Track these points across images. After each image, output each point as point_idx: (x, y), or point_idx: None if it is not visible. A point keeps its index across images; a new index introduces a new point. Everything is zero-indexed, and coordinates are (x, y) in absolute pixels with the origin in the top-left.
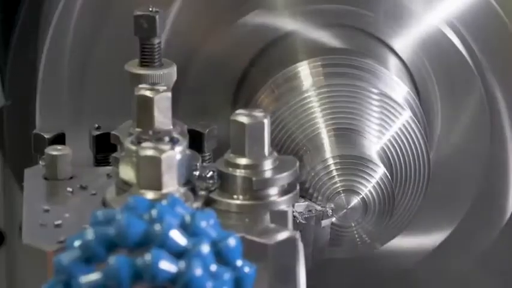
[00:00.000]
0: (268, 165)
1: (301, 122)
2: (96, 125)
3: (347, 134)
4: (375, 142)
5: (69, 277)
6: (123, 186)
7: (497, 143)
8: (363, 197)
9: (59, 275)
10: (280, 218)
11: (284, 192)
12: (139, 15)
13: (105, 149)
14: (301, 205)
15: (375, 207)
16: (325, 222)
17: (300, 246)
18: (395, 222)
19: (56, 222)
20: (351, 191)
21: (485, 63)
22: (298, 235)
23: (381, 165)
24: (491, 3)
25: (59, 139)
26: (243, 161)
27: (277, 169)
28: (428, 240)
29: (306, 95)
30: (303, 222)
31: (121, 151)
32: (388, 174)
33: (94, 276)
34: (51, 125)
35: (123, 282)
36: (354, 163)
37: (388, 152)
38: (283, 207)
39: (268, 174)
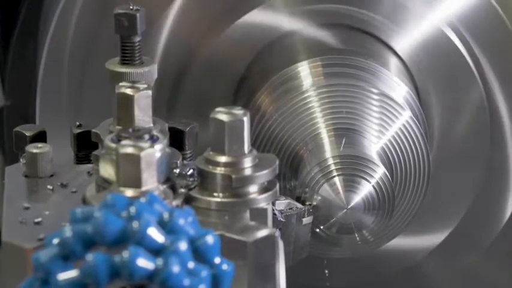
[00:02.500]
0: (247, 163)
1: (301, 122)
2: (78, 123)
3: (347, 134)
4: (375, 142)
5: (47, 274)
6: (103, 184)
7: (497, 143)
8: (362, 197)
9: (37, 272)
10: (259, 215)
11: (264, 190)
12: (120, 13)
13: (86, 146)
14: (282, 203)
15: (374, 208)
16: (306, 220)
17: (280, 244)
18: (395, 222)
19: (36, 220)
20: (350, 191)
21: (485, 63)
22: (277, 233)
23: (381, 165)
24: (492, 3)
25: (40, 137)
26: (222, 158)
27: (257, 167)
28: (428, 240)
29: (306, 95)
30: (283, 220)
31: (101, 149)
32: (388, 174)
33: (72, 274)
34: (51, 125)
35: (101, 280)
36: (354, 163)
37: (388, 152)
38: (262, 204)
39: (247, 171)
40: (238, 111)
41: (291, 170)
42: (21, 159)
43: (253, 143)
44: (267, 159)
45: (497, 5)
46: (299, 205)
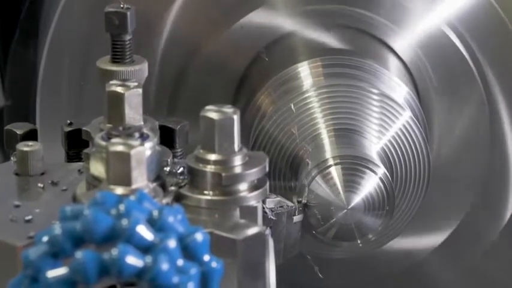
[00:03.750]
0: (237, 161)
1: (301, 123)
2: (68, 121)
3: (347, 134)
4: (375, 142)
5: (36, 272)
6: (94, 182)
7: (497, 143)
8: (363, 198)
9: (27, 269)
10: (249, 213)
11: (254, 187)
12: (111, 11)
13: (77, 145)
14: (273, 201)
15: (375, 208)
16: (296, 218)
17: (270, 242)
18: (395, 222)
19: (27, 218)
20: (351, 191)
21: (485, 63)
22: (267, 231)
23: (381, 165)
24: (491, 3)
25: (31, 135)
26: (212, 156)
27: (247, 165)
28: (428, 240)
29: (306, 95)
30: (274, 218)
31: (92, 147)
32: (388, 174)
33: (61, 271)
34: (51, 125)
35: (90, 277)
36: (354, 163)
37: (388, 152)
38: (252, 202)
39: (237, 169)
40: (228, 109)
41: (291, 170)
42: (12, 157)
43: (254, 143)
44: (257, 157)
45: (497, 5)
46: (289, 203)
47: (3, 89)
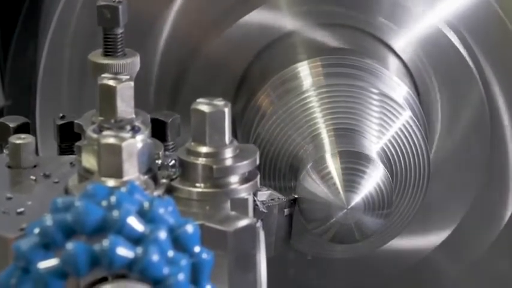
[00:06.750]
0: (228, 154)
1: (301, 122)
2: (61, 114)
3: (347, 134)
4: (375, 142)
5: (27, 263)
6: (85, 174)
7: (497, 143)
8: (362, 197)
9: (18, 261)
10: (240, 205)
11: (245, 180)
12: (102, 5)
13: (69, 138)
14: (264, 194)
15: (374, 208)
16: (288, 211)
17: (261, 235)
18: (395, 222)
19: (19, 210)
20: (350, 191)
21: (485, 63)
22: (259, 223)
23: (381, 165)
24: (491, 3)
25: (24, 128)
26: (203, 149)
27: (238, 157)
28: (428, 240)
29: (305, 95)
30: (265, 211)
31: (84, 140)
32: (388, 174)
33: (52, 262)
34: (51, 125)
35: (81, 268)
36: (354, 163)
37: (388, 152)
38: (243, 195)
39: (228, 162)
40: (219, 102)
41: (291, 170)
42: (4, 150)
43: (253, 143)
44: (248, 150)
45: (496, 5)
46: (281, 196)
47: (3, 89)
